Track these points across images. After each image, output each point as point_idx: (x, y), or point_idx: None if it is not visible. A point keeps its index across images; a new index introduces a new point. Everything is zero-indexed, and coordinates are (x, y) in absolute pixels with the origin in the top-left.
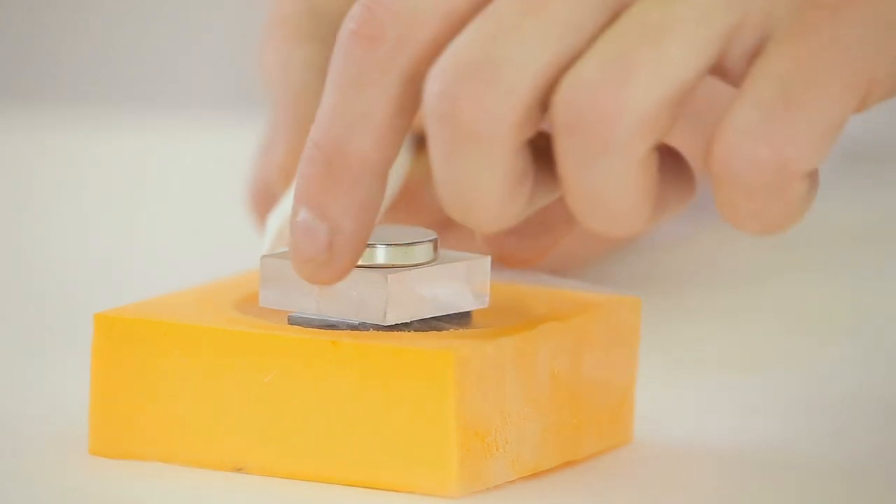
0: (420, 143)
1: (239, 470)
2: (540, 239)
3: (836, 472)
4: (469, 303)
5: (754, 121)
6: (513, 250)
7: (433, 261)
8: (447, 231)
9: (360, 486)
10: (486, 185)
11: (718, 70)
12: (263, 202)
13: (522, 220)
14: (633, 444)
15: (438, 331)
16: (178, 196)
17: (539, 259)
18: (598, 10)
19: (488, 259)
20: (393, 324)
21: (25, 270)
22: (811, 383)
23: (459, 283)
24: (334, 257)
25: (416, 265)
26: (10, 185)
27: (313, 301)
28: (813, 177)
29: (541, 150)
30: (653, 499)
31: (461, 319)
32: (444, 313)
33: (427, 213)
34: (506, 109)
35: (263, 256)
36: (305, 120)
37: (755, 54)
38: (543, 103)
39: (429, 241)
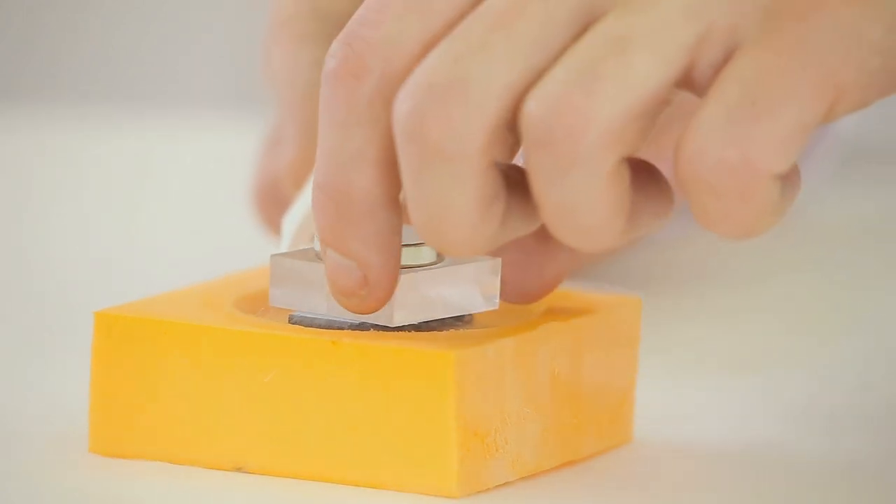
0: None
1: (239, 470)
2: (542, 272)
3: (837, 472)
4: (478, 305)
5: (720, 123)
6: (514, 284)
7: (441, 262)
8: None
9: (360, 486)
10: (456, 204)
11: (687, 82)
12: (269, 200)
13: (521, 252)
14: (633, 444)
15: (439, 331)
16: (178, 196)
17: (543, 294)
18: (564, 27)
19: (498, 261)
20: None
21: (25, 270)
22: (811, 383)
23: (468, 284)
24: (373, 289)
25: (424, 266)
26: (10, 185)
27: (323, 301)
28: (788, 180)
29: (517, 181)
30: (653, 499)
31: (462, 319)
32: (453, 315)
33: None
34: (474, 127)
35: (274, 255)
36: (313, 119)
37: (723, 66)
38: (513, 121)
39: None
